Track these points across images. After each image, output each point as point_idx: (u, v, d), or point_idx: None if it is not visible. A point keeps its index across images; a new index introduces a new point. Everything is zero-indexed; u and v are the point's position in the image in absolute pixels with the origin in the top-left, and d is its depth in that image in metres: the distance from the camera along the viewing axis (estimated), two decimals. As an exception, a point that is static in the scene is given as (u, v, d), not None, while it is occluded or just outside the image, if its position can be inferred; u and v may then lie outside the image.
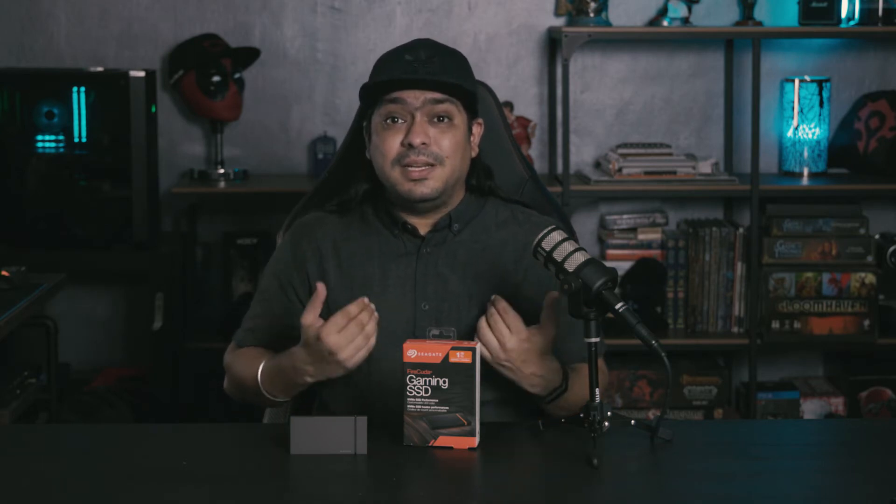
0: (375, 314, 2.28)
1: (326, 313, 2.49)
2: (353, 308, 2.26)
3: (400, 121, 2.43)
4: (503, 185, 2.61)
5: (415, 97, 2.42)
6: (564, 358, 2.45)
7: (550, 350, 2.34)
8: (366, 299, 2.27)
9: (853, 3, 4.26)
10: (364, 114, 2.54)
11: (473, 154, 2.52)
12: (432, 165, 2.42)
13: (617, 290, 2.22)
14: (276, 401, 2.43)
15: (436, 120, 2.43)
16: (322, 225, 2.55)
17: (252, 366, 2.45)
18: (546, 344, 2.32)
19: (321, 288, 2.30)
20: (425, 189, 2.43)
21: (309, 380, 2.34)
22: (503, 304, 2.30)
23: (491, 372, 2.32)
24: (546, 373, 2.34)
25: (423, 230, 2.50)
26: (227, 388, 2.56)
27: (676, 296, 4.29)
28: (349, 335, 2.25)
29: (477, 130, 2.52)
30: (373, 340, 2.27)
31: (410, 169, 2.41)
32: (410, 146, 2.41)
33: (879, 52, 4.48)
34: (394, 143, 2.43)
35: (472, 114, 2.50)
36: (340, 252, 2.52)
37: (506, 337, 2.29)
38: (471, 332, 2.34)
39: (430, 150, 2.42)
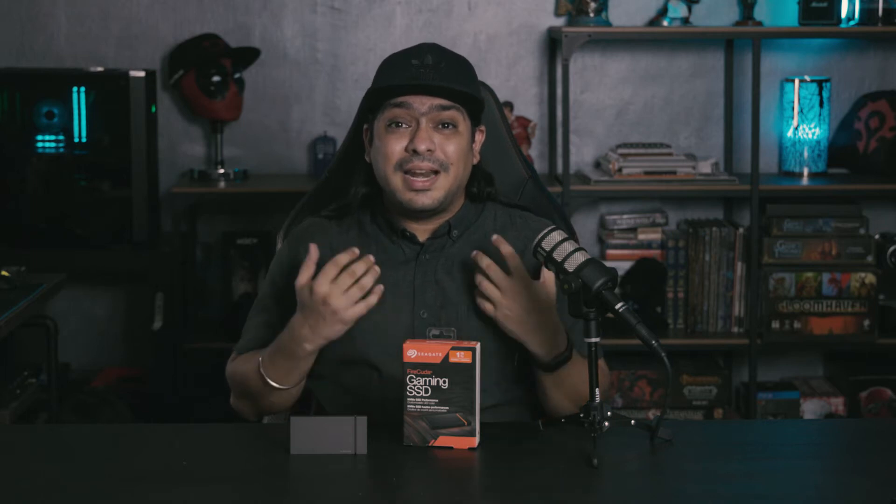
0: (376, 269, 2.27)
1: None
2: (342, 257, 2.26)
3: (404, 126, 2.42)
4: (503, 185, 2.60)
5: (421, 102, 2.41)
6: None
7: (554, 310, 2.34)
8: (356, 250, 2.27)
9: (853, 3, 4.26)
10: (365, 116, 2.53)
11: (475, 161, 2.51)
12: (436, 173, 2.41)
13: (617, 290, 2.22)
14: (280, 390, 2.37)
15: (441, 126, 2.42)
16: (319, 231, 2.53)
17: (252, 360, 2.42)
18: (547, 295, 2.33)
19: (314, 249, 2.30)
20: (427, 200, 2.42)
21: (308, 346, 2.31)
22: (487, 261, 2.32)
23: (489, 378, 2.31)
24: (550, 328, 2.34)
25: (421, 237, 2.49)
26: (233, 401, 2.53)
27: (676, 296, 4.29)
28: (341, 284, 2.26)
29: (479, 137, 2.51)
30: (373, 298, 2.27)
31: (413, 179, 2.40)
32: (415, 152, 2.40)
33: (879, 52, 4.48)
34: (397, 148, 2.41)
35: (475, 121, 2.49)
36: (338, 260, 2.51)
37: (504, 282, 2.30)
38: (470, 339, 2.33)
39: (434, 157, 2.41)
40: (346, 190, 2.57)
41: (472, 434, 2.19)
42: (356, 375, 2.44)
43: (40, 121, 4.08)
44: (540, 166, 4.44)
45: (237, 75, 4.34)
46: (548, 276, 2.33)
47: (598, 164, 4.45)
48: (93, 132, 4.09)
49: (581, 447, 2.17)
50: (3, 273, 3.29)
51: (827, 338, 4.25)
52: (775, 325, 4.22)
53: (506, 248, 2.33)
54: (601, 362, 2.40)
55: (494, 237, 2.35)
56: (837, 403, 4.32)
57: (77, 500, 2.01)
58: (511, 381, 2.44)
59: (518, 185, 2.70)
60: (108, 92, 4.09)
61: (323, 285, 2.26)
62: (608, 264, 2.25)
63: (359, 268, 2.26)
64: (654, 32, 4.31)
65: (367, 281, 2.27)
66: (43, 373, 3.68)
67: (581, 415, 2.19)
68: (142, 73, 4.08)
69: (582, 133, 4.47)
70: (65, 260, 4.01)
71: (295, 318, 2.33)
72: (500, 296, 2.32)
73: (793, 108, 4.35)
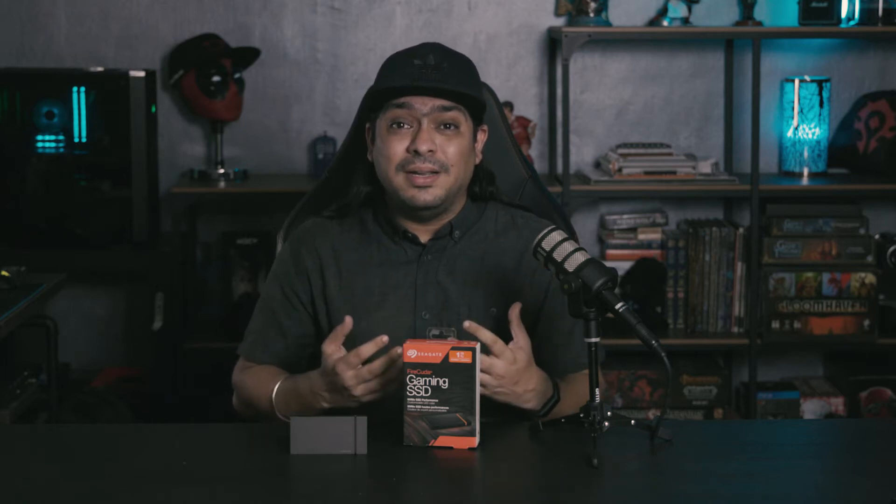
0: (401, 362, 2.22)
1: (328, 324, 2.49)
2: (366, 349, 2.25)
3: (406, 126, 2.42)
4: (503, 185, 2.60)
5: (423, 103, 2.40)
6: (559, 368, 2.44)
7: (532, 360, 2.33)
8: (384, 338, 2.25)
9: (853, 3, 4.26)
10: (367, 115, 2.53)
11: (477, 160, 2.51)
12: (437, 173, 2.41)
13: (617, 290, 2.22)
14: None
15: (442, 127, 2.42)
16: (321, 232, 2.53)
17: (266, 387, 2.43)
18: (527, 356, 2.31)
19: (348, 321, 2.29)
20: (428, 197, 2.41)
21: (325, 405, 2.33)
22: (480, 332, 2.27)
23: (485, 397, 2.30)
24: (537, 384, 2.33)
25: (423, 238, 2.49)
26: (237, 405, 2.54)
27: (676, 296, 4.29)
28: (360, 375, 2.26)
29: (481, 137, 2.51)
30: (393, 386, 2.25)
31: (415, 176, 2.40)
32: (416, 153, 2.40)
33: (879, 52, 4.48)
34: (399, 149, 2.41)
35: (477, 121, 2.49)
36: (340, 260, 2.50)
37: (495, 366, 2.27)
38: (470, 340, 2.33)
39: (435, 158, 2.40)
40: (346, 190, 2.57)
41: (472, 434, 2.19)
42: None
43: (40, 121, 4.08)
44: (540, 166, 4.44)
45: (237, 75, 4.34)
46: (517, 331, 2.30)
47: (598, 164, 4.45)
48: (93, 132, 4.08)
49: (581, 447, 2.17)
50: (3, 273, 3.29)
51: (827, 338, 4.24)
52: (775, 325, 4.22)
53: (484, 335, 2.27)
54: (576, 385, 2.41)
55: (466, 324, 2.27)
56: (837, 403, 4.32)
57: (77, 500, 2.01)
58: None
59: (518, 185, 2.70)
60: (108, 92, 4.09)
61: (344, 371, 2.25)
62: (608, 264, 2.25)
63: (378, 367, 2.24)
64: (654, 32, 4.31)
65: (390, 375, 2.25)
66: (43, 373, 3.68)
67: (581, 415, 2.19)
68: (142, 73, 4.08)
69: (582, 133, 4.47)
70: (65, 260, 4.01)
71: (317, 380, 2.33)
72: (489, 379, 2.28)
73: (793, 108, 4.35)
